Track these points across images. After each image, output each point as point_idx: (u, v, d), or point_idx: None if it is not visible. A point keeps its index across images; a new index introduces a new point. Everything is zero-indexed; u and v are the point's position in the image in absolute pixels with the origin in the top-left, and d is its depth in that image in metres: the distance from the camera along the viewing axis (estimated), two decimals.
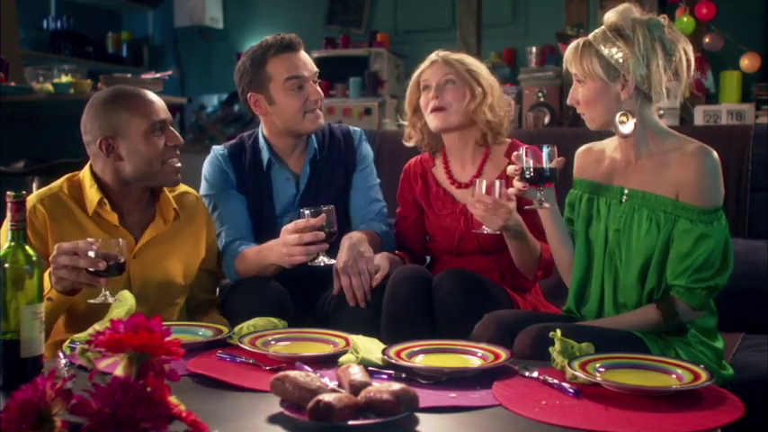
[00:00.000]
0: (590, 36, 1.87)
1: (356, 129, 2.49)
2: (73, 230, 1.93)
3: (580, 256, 1.96)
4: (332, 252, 2.05)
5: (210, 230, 2.19)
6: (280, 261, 2.07)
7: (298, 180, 2.36)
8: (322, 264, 2.04)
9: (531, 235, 2.08)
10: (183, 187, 2.14)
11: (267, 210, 2.34)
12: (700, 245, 1.77)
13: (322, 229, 1.99)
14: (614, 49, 1.81)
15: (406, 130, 2.38)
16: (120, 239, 1.77)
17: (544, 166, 1.88)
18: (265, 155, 2.35)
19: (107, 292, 1.76)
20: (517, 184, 1.91)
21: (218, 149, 2.40)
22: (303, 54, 2.31)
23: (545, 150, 1.88)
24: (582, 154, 2.03)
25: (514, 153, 1.92)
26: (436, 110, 2.22)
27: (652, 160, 1.86)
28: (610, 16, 1.86)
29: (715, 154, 1.80)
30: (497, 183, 1.98)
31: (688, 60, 1.84)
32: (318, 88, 2.31)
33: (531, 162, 1.88)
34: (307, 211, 2.01)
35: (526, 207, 1.98)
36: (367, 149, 2.46)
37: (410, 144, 2.39)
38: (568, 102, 1.92)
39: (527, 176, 1.88)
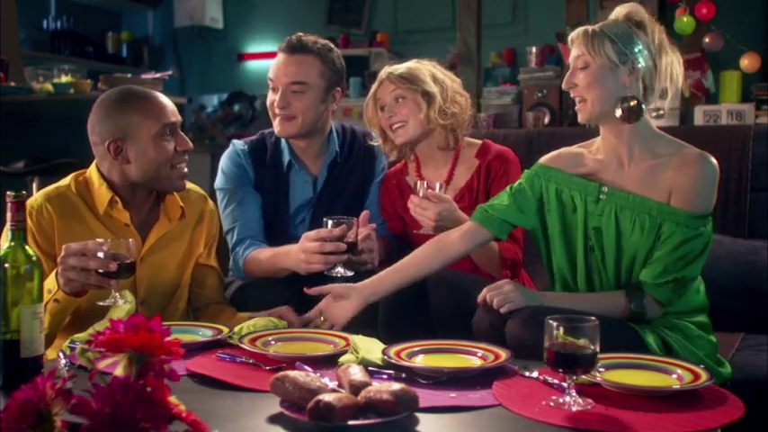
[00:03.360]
0: (599, 24, 1.85)
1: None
2: (81, 230, 1.92)
3: (561, 249, 1.94)
4: (349, 264, 2.04)
5: (212, 226, 2.16)
6: (296, 267, 2.05)
7: (315, 182, 2.36)
8: (338, 275, 2.02)
9: None
10: (187, 185, 2.10)
11: (281, 210, 2.34)
12: (680, 249, 1.77)
13: (342, 239, 1.98)
14: (627, 34, 1.81)
15: (383, 147, 2.41)
16: (131, 240, 1.74)
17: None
18: (286, 156, 2.35)
19: (117, 294, 1.73)
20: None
21: (238, 144, 2.38)
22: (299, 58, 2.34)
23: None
24: (561, 155, 1.98)
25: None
26: (396, 127, 2.30)
27: (647, 164, 1.85)
28: (621, 9, 1.86)
29: (714, 161, 1.81)
30: (424, 183, 2.08)
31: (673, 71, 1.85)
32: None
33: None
34: (330, 222, 2.00)
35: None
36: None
37: (393, 158, 2.43)
38: (563, 86, 1.88)
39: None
